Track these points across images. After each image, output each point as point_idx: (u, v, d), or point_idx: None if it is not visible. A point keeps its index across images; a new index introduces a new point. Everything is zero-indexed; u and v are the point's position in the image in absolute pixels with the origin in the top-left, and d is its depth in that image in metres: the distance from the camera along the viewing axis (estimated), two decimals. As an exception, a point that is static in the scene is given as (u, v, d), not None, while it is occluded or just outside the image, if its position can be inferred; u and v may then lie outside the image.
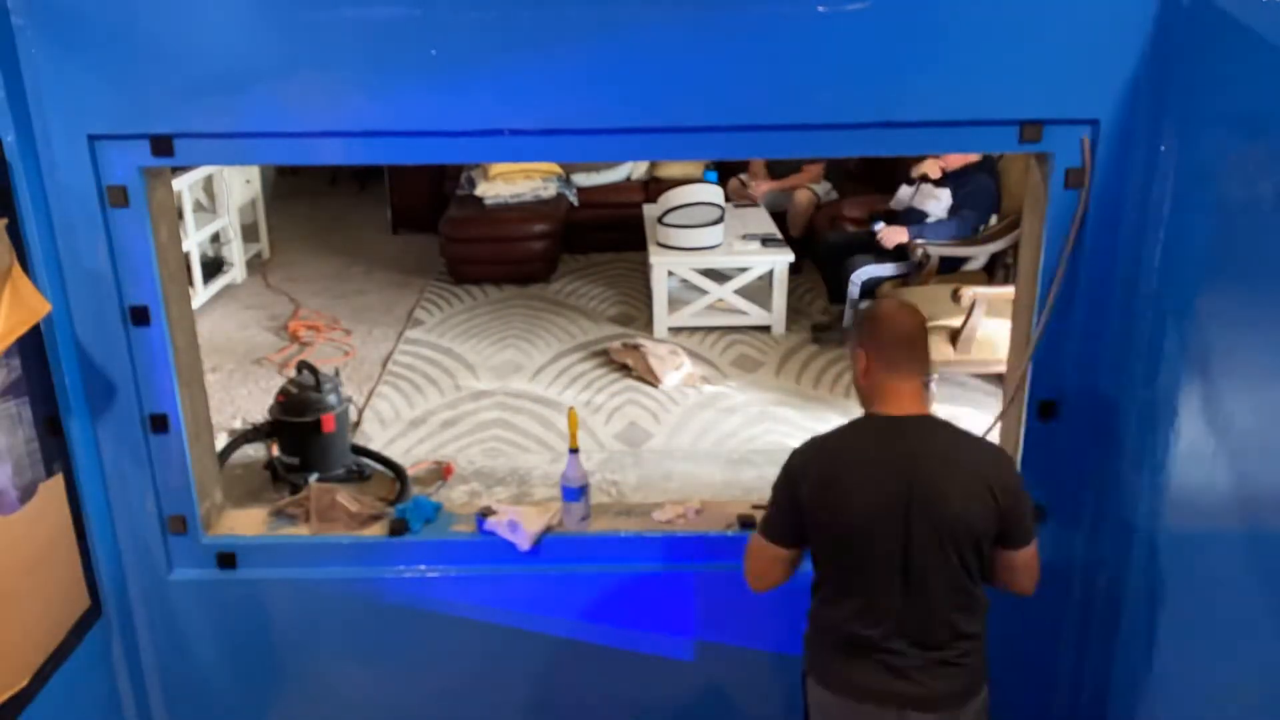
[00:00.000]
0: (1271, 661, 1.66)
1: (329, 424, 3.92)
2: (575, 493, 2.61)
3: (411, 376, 5.13)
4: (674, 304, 5.66)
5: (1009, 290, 2.85)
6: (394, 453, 4.29)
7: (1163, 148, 2.09)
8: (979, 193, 5.08)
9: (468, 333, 5.69)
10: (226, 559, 2.54)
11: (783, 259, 5.60)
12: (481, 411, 4.75)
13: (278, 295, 6.33)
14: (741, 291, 5.65)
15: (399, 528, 2.59)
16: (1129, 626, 2.25)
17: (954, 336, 4.36)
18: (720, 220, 5.67)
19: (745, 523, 2.59)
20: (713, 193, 5.79)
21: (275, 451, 4.03)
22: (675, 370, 5.00)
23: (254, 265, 6.80)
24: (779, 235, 5.90)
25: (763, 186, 6.65)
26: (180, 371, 2.40)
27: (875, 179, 6.54)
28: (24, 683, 2.08)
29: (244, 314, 6.03)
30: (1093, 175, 2.17)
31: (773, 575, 2.05)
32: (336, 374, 4.19)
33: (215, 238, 6.49)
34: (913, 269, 5.04)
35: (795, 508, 1.96)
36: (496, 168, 6.65)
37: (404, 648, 2.63)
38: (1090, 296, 2.27)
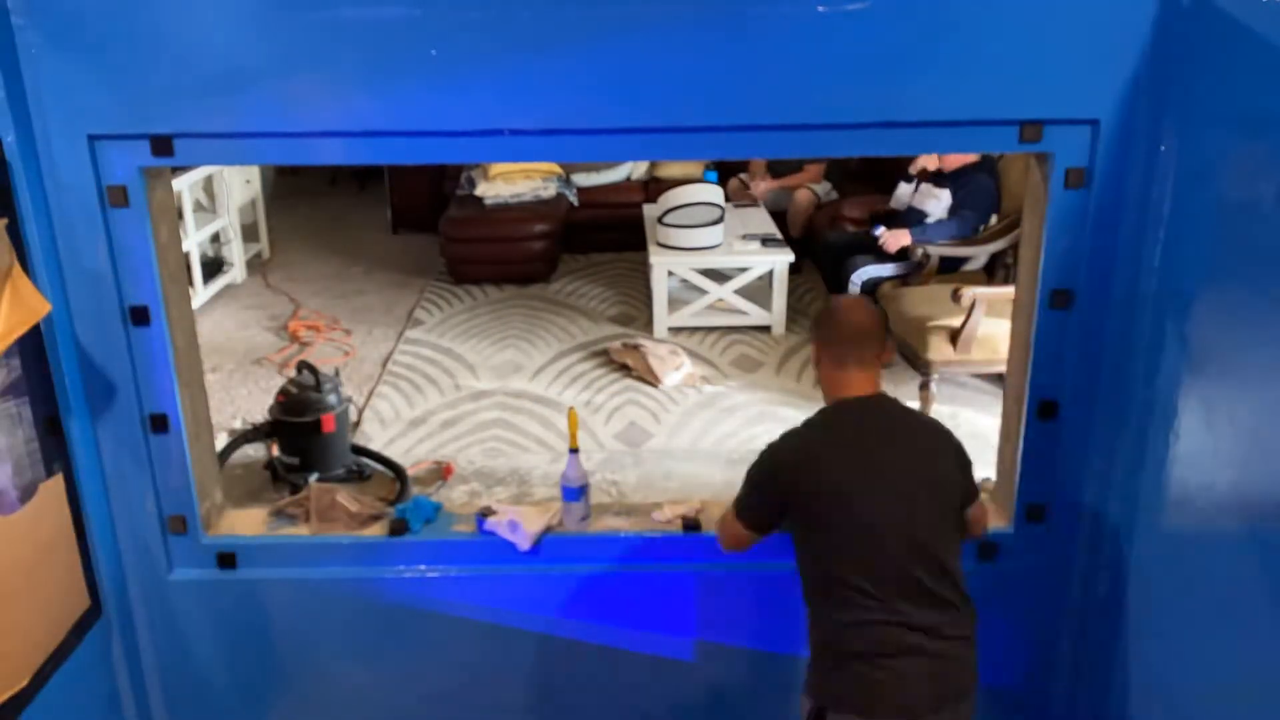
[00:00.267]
0: (1272, 661, 1.66)
1: (329, 424, 3.92)
2: (575, 493, 2.61)
3: (411, 376, 5.13)
4: (674, 304, 5.67)
5: (1009, 290, 2.85)
6: (394, 453, 4.29)
7: (1163, 147, 2.09)
8: (979, 193, 5.08)
9: (468, 333, 5.69)
10: (226, 559, 2.54)
11: (783, 259, 5.60)
12: (481, 411, 4.75)
13: (278, 295, 6.33)
14: (741, 291, 5.65)
15: (399, 528, 2.59)
16: (1129, 627, 2.25)
17: (954, 336, 4.36)
18: (720, 220, 5.67)
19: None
20: (713, 193, 5.79)
21: (275, 451, 4.03)
22: (675, 370, 5.00)
23: (254, 265, 6.80)
24: (779, 235, 5.90)
25: (763, 185, 6.65)
26: (180, 371, 2.40)
27: (875, 179, 6.54)
28: (24, 683, 2.08)
29: (244, 314, 6.03)
30: (1092, 175, 2.17)
31: (741, 547, 2.24)
32: (336, 374, 4.19)
33: (215, 238, 6.49)
34: (913, 269, 5.04)
35: (777, 499, 2.11)
36: (496, 168, 6.65)
37: (404, 648, 2.63)
38: (1090, 296, 2.27)
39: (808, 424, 2.14)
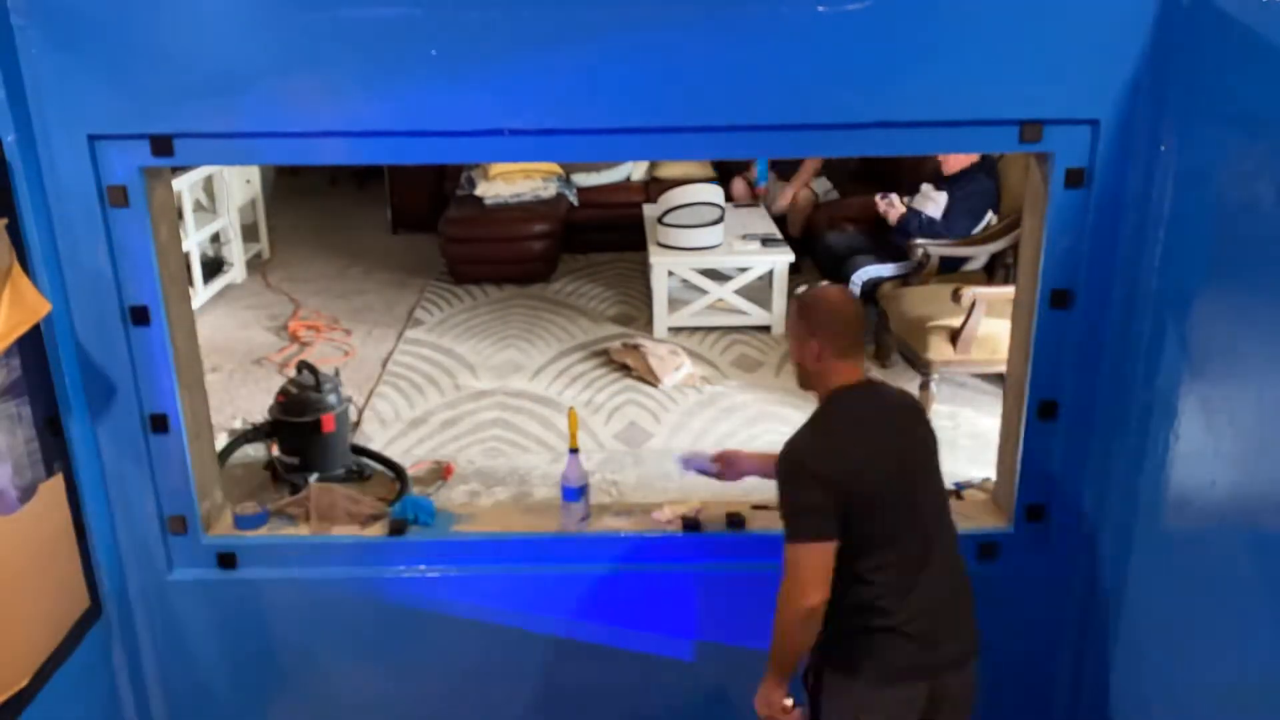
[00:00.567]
0: (1272, 661, 1.66)
1: (329, 424, 3.92)
2: (575, 493, 2.61)
3: (411, 376, 5.13)
4: (674, 304, 5.66)
5: (1009, 290, 2.85)
6: (394, 453, 4.28)
7: (1163, 148, 2.09)
8: (975, 196, 5.08)
9: (468, 333, 5.69)
10: (226, 559, 2.54)
11: (783, 259, 5.59)
12: (481, 411, 4.75)
13: (278, 295, 6.33)
14: (741, 291, 5.65)
15: (399, 528, 2.59)
16: (1129, 626, 2.25)
17: (954, 336, 4.36)
18: (720, 220, 5.67)
19: (732, 520, 2.60)
20: (713, 193, 5.79)
21: (275, 451, 4.03)
22: (675, 370, 5.00)
23: (254, 265, 6.79)
24: (779, 235, 5.90)
25: (787, 193, 6.49)
26: (180, 371, 2.40)
27: (875, 179, 6.53)
28: (24, 683, 2.08)
29: (244, 314, 6.02)
30: (1092, 175, 2.17)
31: (829, 576, 1.98)
32: (336, 374, 4.19)
33: (215, 238, 6.49)
34: (913, 269, 5.04)
35: (833, 499, 1.95)
36: (496, 168, 6.64)
37: (404, 648, 2.63)
38: (1090, 296, 2.27)
39: (827, 419, 2.07)
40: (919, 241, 5.00)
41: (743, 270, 5.64)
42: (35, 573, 2.15)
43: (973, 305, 4.25)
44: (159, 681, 2.62)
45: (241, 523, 2.61)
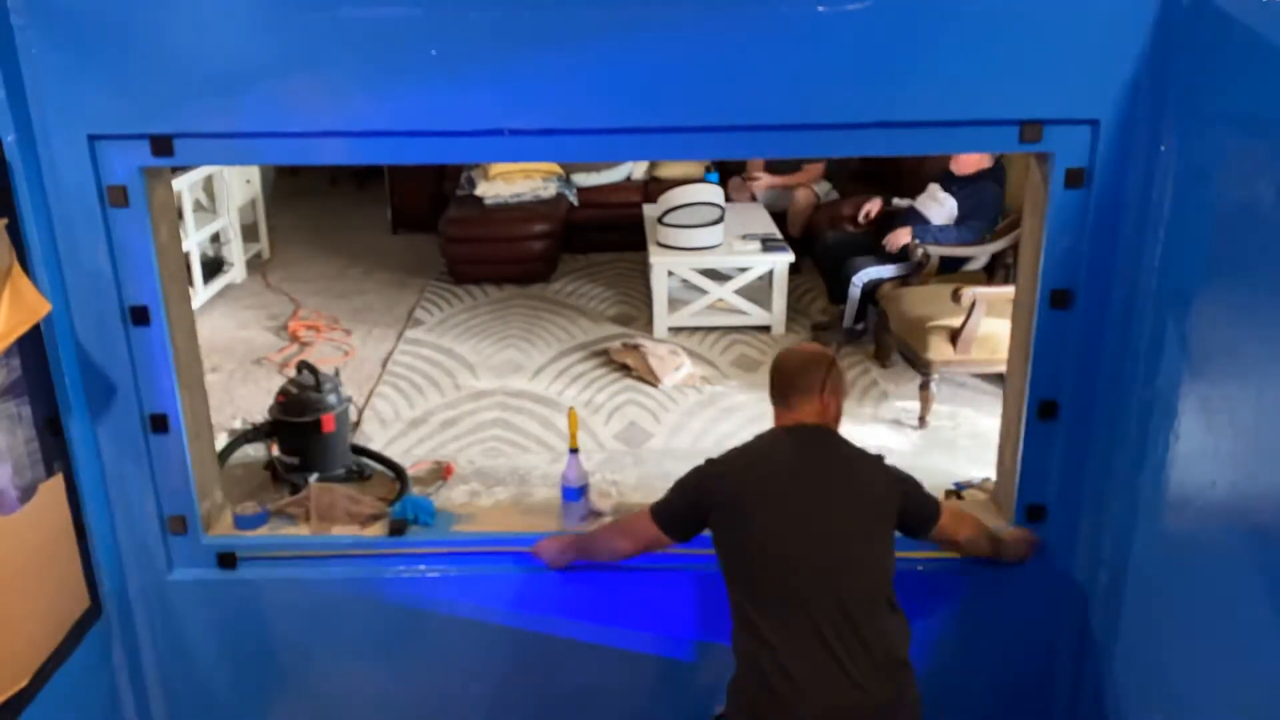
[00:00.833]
0: (1272, 661, 1.66)
1: (329, 424, 3.92)
2: (575, 493, 2.61)
3: (411, 376, 5.13)
4: (674, 304, 5.66)
5: (1009, 290, 2.85)
6: (394, 453, 4.29)
7: (1163, 147, 2.09)
8: (986, 204, 5.08)
9: (468, 333, 5.69)
10: (226, 559, 2.54)
11: (783, 259, 5.60)
12: (481, 411, 4.75)
13: (278, 295, 6.33)
14: (741, 291, 5.65)
15: (399, 528, 2.59)
16: (1129, 626, 2.25)
17: (954, 336, 4.36)
18: (720, 220, 5.67)
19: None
20: (713, 193, 5.79)
21: (275, 451, 4.03)
22: (675, 370, 5.00)
23: (254, 265, 6.80)
24: (779, 235, 5.90)
25: (762, 181, 6.65)
26: (180, 371, 2.40)
27: (875, 179, 6.54)
28: (24, 683, 2.08)
29: (244, 314, 6.03)
30: (1092, 175, 2.17)
31: (631, 550, 2.31)
32: (336, 374, 4.19)
33: (215, 238, 6.49)
34: (913, 269, 5.04)
35: (695, 503, 2.14)
36: (496, 168, 6.64)
37: (404, 648, 2.63)
38: (1090, 296, 2.27)
39: (749, 442, 2.19)
40: (919, 241, 5.01)
41: (743, 270, 5.65)
42: (35, 573, 2.15)
43: (973, 305, 4.26)
44: (159, 681, 2.62)
45: (241, 523, 2.61)
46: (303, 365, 4.07)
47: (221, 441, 4.13)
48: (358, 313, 6.01)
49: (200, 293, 6.01)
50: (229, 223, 6.48)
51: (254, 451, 4.21)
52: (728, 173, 6.78)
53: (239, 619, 2.59)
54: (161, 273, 2.30)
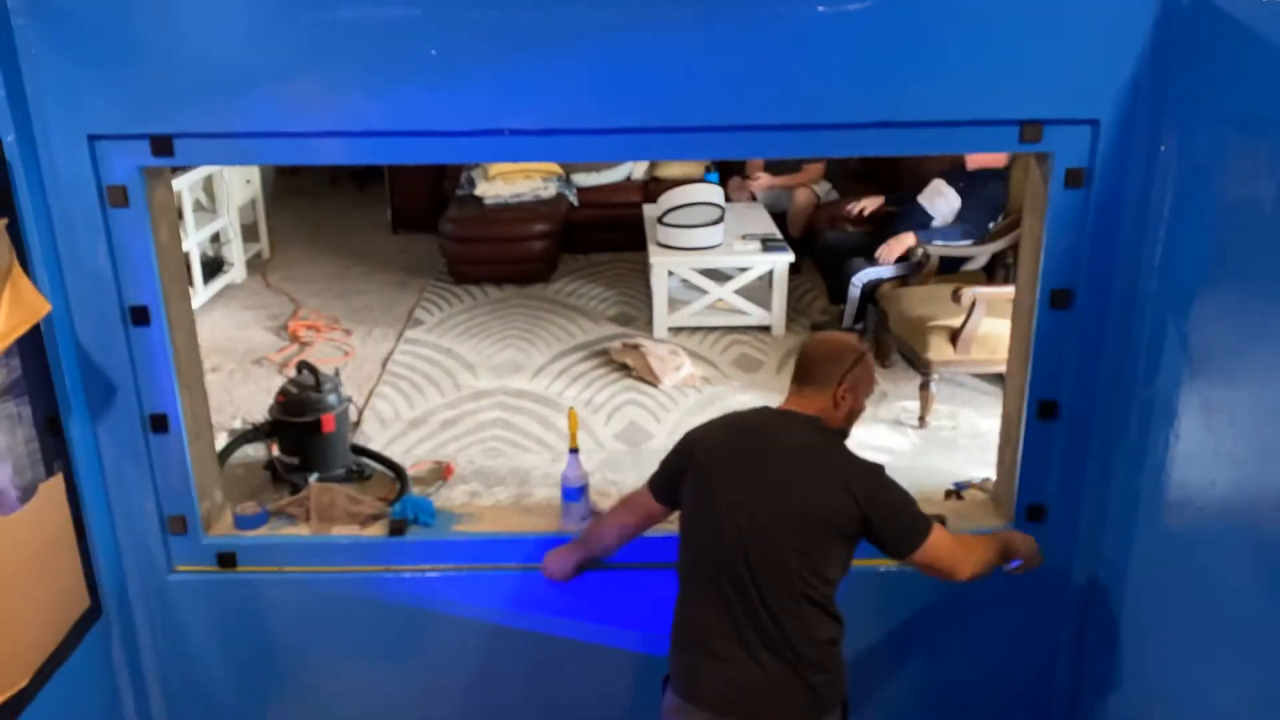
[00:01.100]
0: (1272, 661, 1.66)
1: (329, 424, 3.92)
2: (575, 493, 2.61)
3: (411, 376, 5.13)
4: (674, 304, 5.66)
5: (1009, 290, 2.85)
6: (394, 453, 4.29)
7: (1163, 147, 2.09)
8: (989, 204, 5.08)
9: (468, 333, 5.69)
10: (226, 559, 2.54)
11: (783, 259, 5.59)
12: (481, 411, 4.75)
13: (278, 295, 6.33)
14: (741, 291, 5.65)
15: (399, 528, 2.59)
16: (1129, 626, 2.25)
17: (954, 336, 4.36)
18: (720, 220, 5.67)
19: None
20: (713, 193, 5.79)
21: (275, 451, 4.03)
22: (675, 370, 5.00)
23: (254, 265, 6.79)
24: (779, 235, 5.90)
25: (762, 181, 6.65)
26: (180, 371, 2.40)
27: (875, 179, 6.54)
28: (24, 683, 2.08)
29: (244, 314, 6.03)
30: (1092, 175, 2.17)
31: (631, 524, 2.31)
32: (336, 374, 4.19)
33: (215, 238, 6.49)
34: (913, 269, 5.04)
35: (675, 467, 2.16)
36: (496, 168, 6.64)
37: (404, 647, 2.63)
38: (1090, 296, 2.27)
39: (735, 414, 2.21)
40: (918, 241, 5.01)
41: (743, 270, 5.64)
42: (35, 573, 2.15)
43: (973, 305, 4.26)
44: (159, 681, 2.62)
45: (241, 523, 2.61)
46: (303, 365, 4.07)
47: (221, 441, 4.13)
48: (358, 313, 6.01)
49: (200, 293, 6.01)
50: (229, 223, 6.48)
51: (254, 451, 4.21)
52: (728, 173, 6.78)
53: (239, 619, 2.59)
54: (161, 273, 2.30)
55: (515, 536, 2.59)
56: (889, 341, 4.96)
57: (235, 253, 6.55)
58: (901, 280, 5.08)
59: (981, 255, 4.99)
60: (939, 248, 4.98)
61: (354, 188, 8.88)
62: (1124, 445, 2.25)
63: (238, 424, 4.52)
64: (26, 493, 2.11)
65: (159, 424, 2.40)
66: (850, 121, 2.17)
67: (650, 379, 4.97)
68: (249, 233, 6.88)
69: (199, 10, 2.08)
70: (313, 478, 3.69)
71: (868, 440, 4.25)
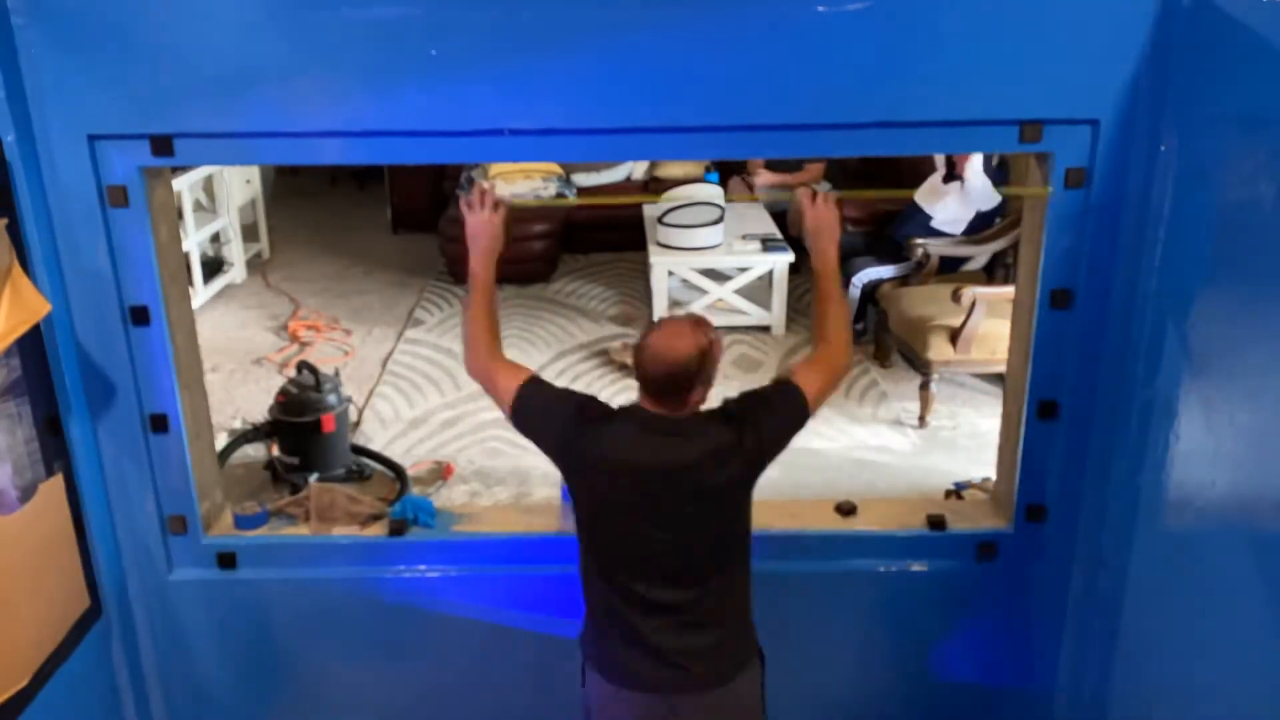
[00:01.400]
0: (1272, 661, 1.66)
1: (329, 424, 3.92)
2: (575, 493, 2.60)
3: (411, 376, 5.13)
4: (674, 304, 5.66)
5: (1009, 290, 2.85)
6: (394, 453, 4.29)
7: (1163, 147, 2.09)
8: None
9: (468, 333, 5.69)
10: (226, 559, 2.54)
11: (783, 259, 5.60)
12: (481, 411, 4.74)
13: (278, 295, 6.33)
14: (741, 291, 5.65)
15: (399, 528, 2.59)
16: (1129, 627, 2.25)
17: (954, 336, 4.36)
18: (720, 220, 5.67)
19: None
20: (713, 193, 5.79)
21: (275, 451, 4.03)
22: (675, 370, 4.99)
23: (254, 265, 6.80)
24: (779, 235, 5.90)
25: (763, 177, 6.64)
26: (180, 371, 2.40)
27: (875, 179, 6.54)
28: (24, 683, 2.08)
29: (244, 314, 6.03)
30: (1092, 175, 2.17)
31: (478, 355, 2.37)
32: (336, 374, 4.19)
33: (215, 238, 6.49)
34: (913, 269, 5.04)
35: (547, 434, 2.15)
36: (496, 168, 6.64)
37: (404, 648, 2.63)
38: (1090, 296, 2.27)
39: (620, 412, 2.11)
40: (918, 241, 5.01)
41: (743, 270, 5.64)
42: (35, 573, 2.15)
43: (973, 305, 4.26)
44: (159, 681, 2.62)
45: (241, 523, 2.61)
46: (303, 365, 4.07)
47: (221, 441, 4.13)
48: (358, 313, 6.01)
49: (200, 293, 6.01)
50: (229, 223, 6.49)
51: (254, 451, 4.21)
52: (728, 173, 6.78)
53: (239, 619, 2.59)
54: (161, 273, 2.30)
55: (515, 537, 2.59)
56: (889, 341, 4.96)
57: (235, 253, 6.55)
58: (901, 280, 5.09)
59: (981, 255, 4.99)
60: (939, 247, 4.98)
61: (354, 188, 8.88)
62: (1124, 445, 2.25)
63: (238, 424, 4.52)
64: (26, 493, 2.11)
65: (159, 424, 2.40)
66: (850, 121, 2.17)
67: (650, 379, 4.96)
68: (249, 233, 6.88)
69: (199, 10, 2.08)
70: (313, 478, 3.70)
71: (868, 440, 4.26)
